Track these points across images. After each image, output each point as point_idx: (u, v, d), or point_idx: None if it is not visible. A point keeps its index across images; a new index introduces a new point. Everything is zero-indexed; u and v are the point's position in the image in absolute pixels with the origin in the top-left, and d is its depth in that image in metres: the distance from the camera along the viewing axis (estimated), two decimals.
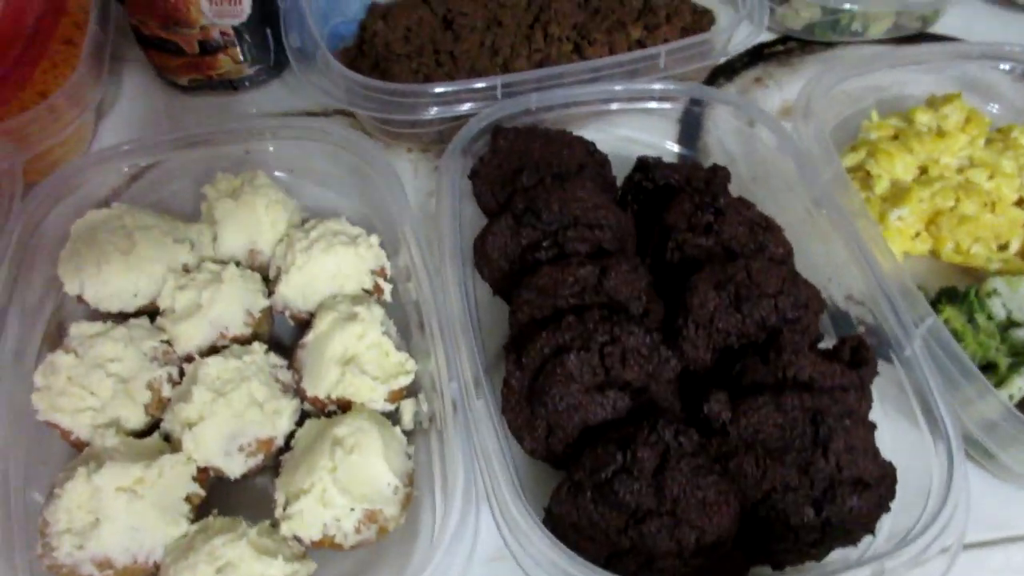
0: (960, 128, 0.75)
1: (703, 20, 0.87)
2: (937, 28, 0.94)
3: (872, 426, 0.52)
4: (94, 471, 0.50)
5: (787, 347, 0.52)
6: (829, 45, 0.93)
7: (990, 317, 0.64)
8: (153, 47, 0.82)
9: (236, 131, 0.73)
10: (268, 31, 0.83)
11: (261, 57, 0.84)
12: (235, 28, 0.80)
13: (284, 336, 0.66)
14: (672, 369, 0.54)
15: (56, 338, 0.63)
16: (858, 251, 0.64)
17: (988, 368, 0.61)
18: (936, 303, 0.64)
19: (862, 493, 0.49)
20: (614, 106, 0.76)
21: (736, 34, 0.79)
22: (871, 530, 0.51)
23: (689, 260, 0.61)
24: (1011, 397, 0.59)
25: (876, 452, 0.51)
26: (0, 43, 0.73)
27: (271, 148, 0.73)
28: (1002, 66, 0.81)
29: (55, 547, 0.49)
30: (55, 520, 0.50)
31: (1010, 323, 0.64)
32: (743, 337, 0.55)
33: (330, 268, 0.62)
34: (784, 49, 0.93)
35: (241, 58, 0.83)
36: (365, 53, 0.84)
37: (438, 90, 0.71)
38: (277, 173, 0.73)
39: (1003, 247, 0.71)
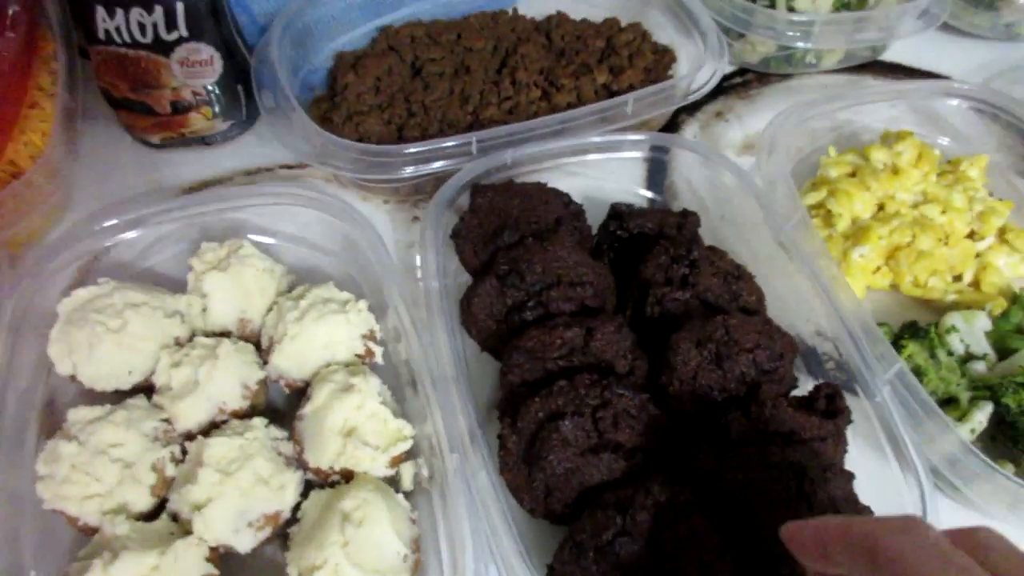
0: (913, 164, 0.79)
1: (664, 58, 0.90)
2: (886, 55, 0.99)
3: (850, 476, 0.56)
4: (110, 562, 0.51)
5: (767, 402, 0.56)
6: (785, 76, 0.96)
7: (950, 353, 0.68)
8: (123, 107, 0.82)
9: (215, 197, 0.73)
10: (239, 87, 0.84)
11: (233, 113, 0.85)
12: (206, 87, 0.81)
13: (278, 402, 0.67)
14: (661, 427, 0.57)
15: (45, 417, 0.64)
16: (821, 290, 0.67)
17: (950, 402, 0.66)
18: (899, 338, 0.68)
19: None
20: (586, 156, 0.79)
21: (697, 78, 0.83)
22: None
23: (668, 314, 0.64)
24: (972, 431, 0.63)
25: (856, 500, 0.55)
26: None
27: (251, 213, 0.74)
28: (952, 102, 0.85)
29: None
30: None
31: (969, 356, 0.68)
32: (724, 392, 0.59)
33: (322, 337, 0.63)
34: (742, 81, 0.96)
35: (213, 115, 0.83)
36: (337, 105, 0.85)
37: (413, 150, 0.73)
38: (260, 238, 0.74)
39: (957, 278, 0.76)
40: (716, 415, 0.57)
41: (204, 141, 0.86)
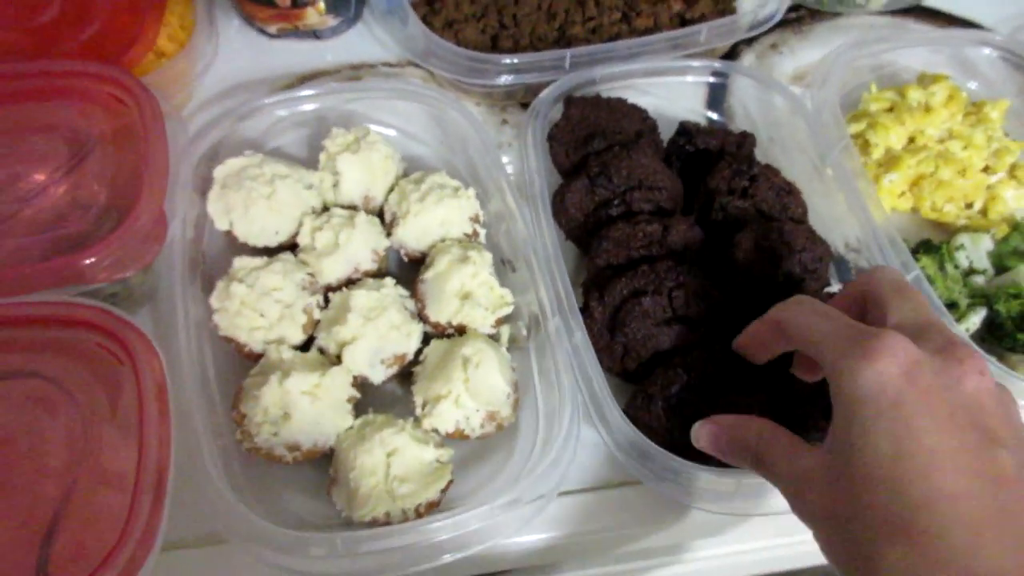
0: (943, 104, 0.90)
1: None
2: (927, 1, 1.08)
3: None
4: (284, 378, 0.65)
5: (808, 293, 0.69)
6: (835, 15, 1.06)
7: (956, 267, 0.81)
8: None
9: (332, 89, 0.84)
10: None
11: (342, 10, 0.95)
12: None
13: (394, 269, 0.80)
14: (722, 306, 0.70)
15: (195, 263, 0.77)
16: (857, 206, 0.80)
17: (952, 306, 0.79)
18: (915, 252, 0.81)
19: None
20: (659, 77, 0.89)
21: (762, 13, 0.93)
22: None
23: (730, 219, 0.76)
24: (967, 330, 0.77)
25: None
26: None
27: (363, 104, 0.85)
28: (984, 51, 0.96)
29: (254, 434, 0.64)
30: (254, 414, 0.64)
31: (971, 271, 0.82)
32: (776, 285, 0.72)
33: (439, 216, 0.76)
34: (796, 17, 1.06)
35: (325, 10, 0.93)
36: (437, 11, 0.94)
37: (514, 60, 0.84)
38: (379, 128, 0.85)
39: (969, 206, 0.88)
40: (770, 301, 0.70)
41: (315, 34, 0.96)
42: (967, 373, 0.48)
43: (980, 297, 0.79)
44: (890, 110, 0.91)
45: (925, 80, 0.92)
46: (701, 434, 0.60)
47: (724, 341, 0.67)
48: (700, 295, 0.69)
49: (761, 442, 0.54)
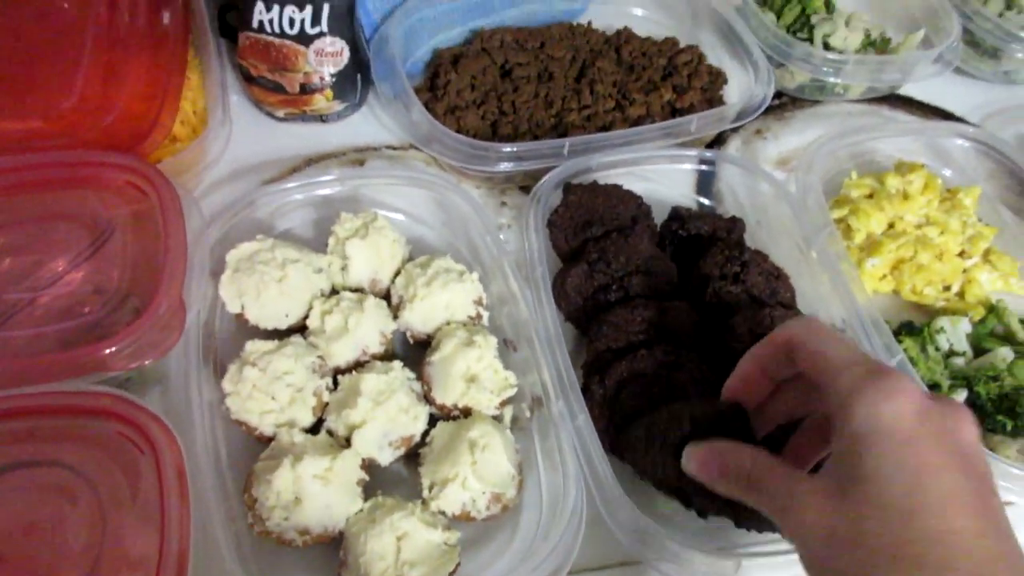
0: (920, 191, 0.95)
1: (717, 80, 1.05)
2: (902, 90, 1.14)
3: None
4: (296, 463, 0.66)
5: None
6: (816, 102, 1.12)
7: (937, 349, 0.85)
8: (257, 84, 0.96)
9: (340, 174, 0.87)
10: (358, 75, 0.98)
11: (348, 96, 0.99)
12: (332, 74, 0.95)
13: (400, 350, 0.82)
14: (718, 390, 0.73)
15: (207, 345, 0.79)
16: (841, 288, 0.84)
17: (934, 387, 0.83)
18: (898, 334, 0.85)
19: None
20: (651, 164, 0.94)
21: (749, 103, 0.98)
22: None
23: (723, 303, 0.80)
24: None
25: None
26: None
27: (370, 189, 0.89)
28: (957, 140, 1.02)
29: (266, 518, 0.66)
30: (265, 498, 0.66)
31: (951, 353, 0.85)
32: None
33: (444, 300, 0.78)
34: (779, 104, 1.11)
35: (333, 97, 0.97)
36: (439, 98, 0.99)
37: (515, 149, 0.88)
38: (384, 211, 0.88)
39: (947, 288, 0.92)
40: None
41: (321, 118, 1.00)
42: (964, 422, 0.51)
43: (961, 379, 0.82)
44: (870, 196, 0.96)
45: (903, 168, 0.98)
46: (691, 458, 0.60)
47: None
48: (696, 378, 0.72)
49: (756, 466, 0.55)
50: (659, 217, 0.90)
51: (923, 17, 1.15)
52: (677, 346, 0.75)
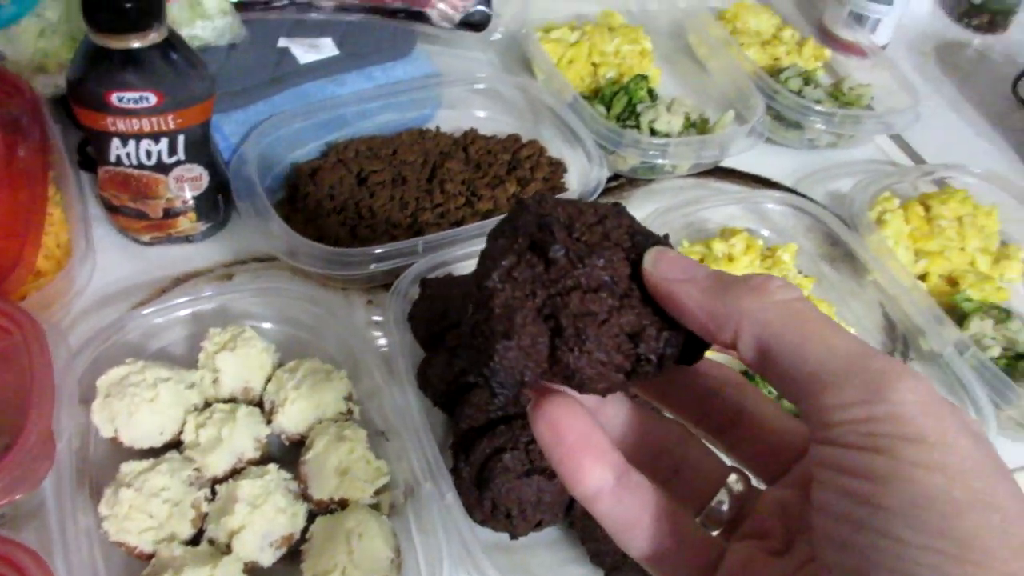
0: (743, 252, 1.07)
1: (558, 169, 1.16)
2: (724, 162, 1.28)
3: None
4: (177, 574, 0.69)
5: None
6: (648, 180, 1.24)
7: (770, 392, 0.94)
8: (120, 213, 1.00)
9: (207, 289, 0.92)
10: (219, 195, 1.03)
11: (212, 216, 1.04)
12: (194, 197, 1.00)
13: (276, 453, 0.86)
14: None
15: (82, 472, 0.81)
16: None
17: None
18: None
19: None
20: None
21: (586, 187, 1.08)
22: None
23: None
24: None
25: None
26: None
27: (237, 300, 0.93)
28: (770, 204, 1.15)
29: None
30: None
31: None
32: None
33: (315, 400, 0.83)
34: (617, 184, 1.23)
35: (196, 218, 1.02)
36: (299, 210, 1.05)
37: (377, 251, 0.94)
38: (253, 322, 0.93)
39: None
40: None
41: (187, 239, 1.04)
42: None
43: None
44: (701, 261, 1.07)
45: (726, 233, 1.09)
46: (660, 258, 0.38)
47: None
48: None
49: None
50: None
51: (735, 97, 1.30)
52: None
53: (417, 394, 0.84)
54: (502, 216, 0.39)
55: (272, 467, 0.79)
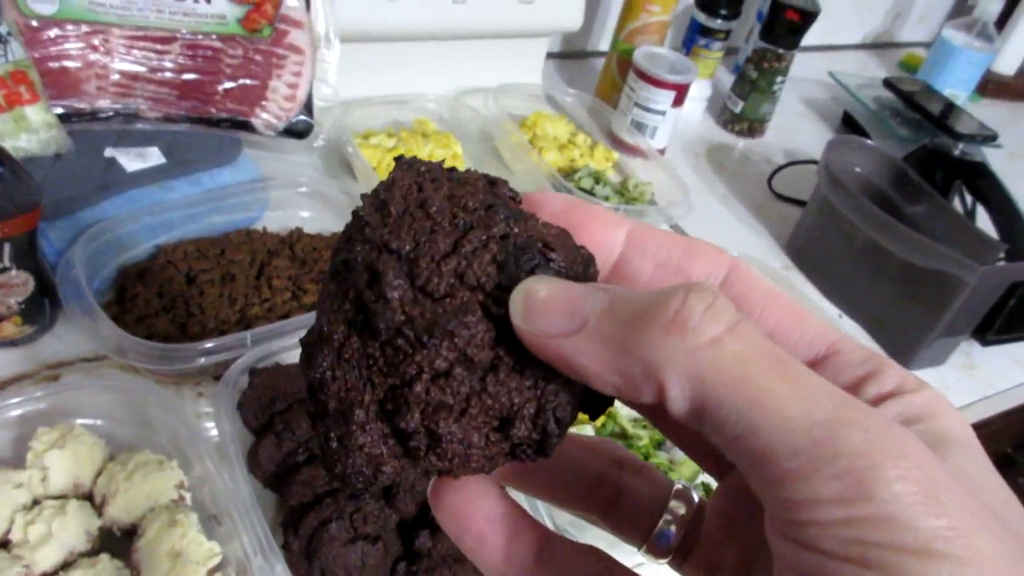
0: None
1: None
2: None
3: None
4: None
5: None
6: None
7: None
8: None
9: (33, 391, 0.95)
10: (45, 299, 1.06)
11: (38, 320, 1.07)
12: (19, 302, 1.03)
13: (109, 545, 0.89)
14: (393, 521, 0.89)
15: None
16: None
17: None
18: None
19: None
20: None
21: None
22: None
23: None
24: None
25: None
26: None
27: (68, 399, 0.97)
28: None
29: None
30: None
31: None
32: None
33: (146, 490, 0.88)
34: None
35: (23, 323, 1.05)
36: (128, 310, 1.10)
37: (207, 346, 1.01)
38: (83, 420, 0.96)
39: None
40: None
41: (12, 343, 1.06)
42: None
43: None
44: None
45: None
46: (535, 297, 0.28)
47: (400, 547, 0.86)
48: (375, 515, 0.88)
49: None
50: None
51: None
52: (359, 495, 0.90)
53: (247, 477, 0.91)
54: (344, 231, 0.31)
55: (104, 556, 0.83)
